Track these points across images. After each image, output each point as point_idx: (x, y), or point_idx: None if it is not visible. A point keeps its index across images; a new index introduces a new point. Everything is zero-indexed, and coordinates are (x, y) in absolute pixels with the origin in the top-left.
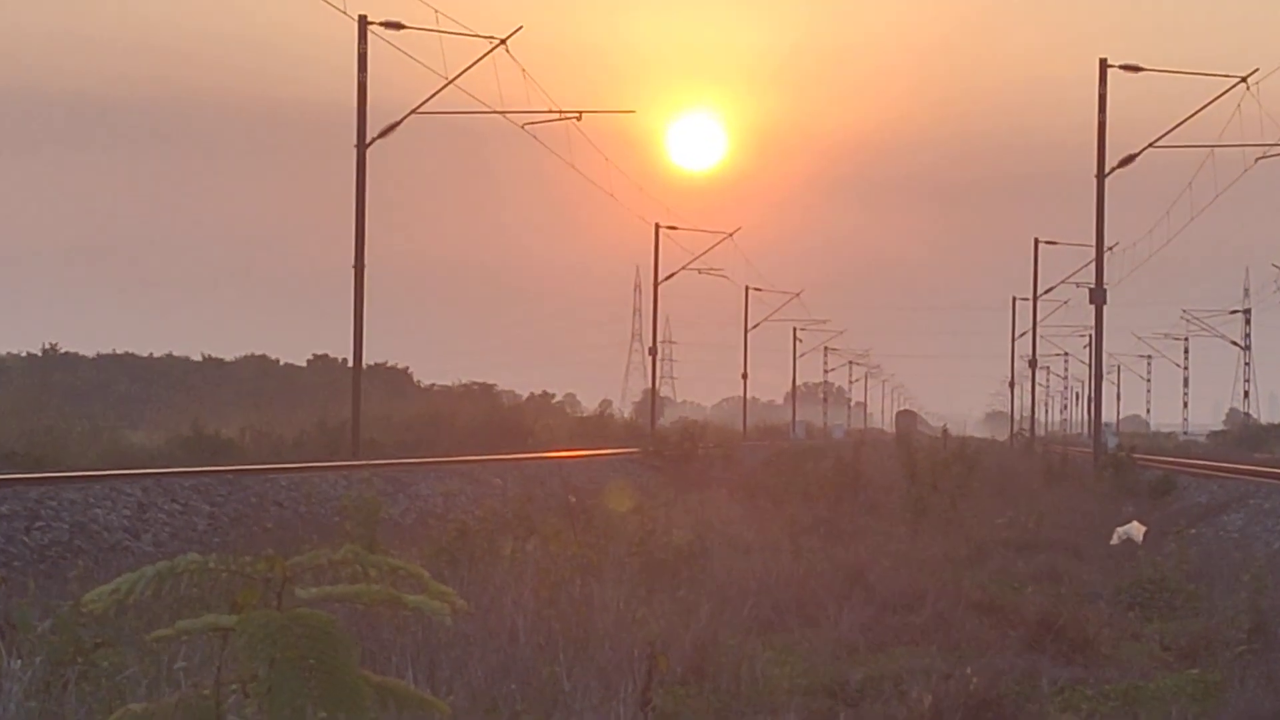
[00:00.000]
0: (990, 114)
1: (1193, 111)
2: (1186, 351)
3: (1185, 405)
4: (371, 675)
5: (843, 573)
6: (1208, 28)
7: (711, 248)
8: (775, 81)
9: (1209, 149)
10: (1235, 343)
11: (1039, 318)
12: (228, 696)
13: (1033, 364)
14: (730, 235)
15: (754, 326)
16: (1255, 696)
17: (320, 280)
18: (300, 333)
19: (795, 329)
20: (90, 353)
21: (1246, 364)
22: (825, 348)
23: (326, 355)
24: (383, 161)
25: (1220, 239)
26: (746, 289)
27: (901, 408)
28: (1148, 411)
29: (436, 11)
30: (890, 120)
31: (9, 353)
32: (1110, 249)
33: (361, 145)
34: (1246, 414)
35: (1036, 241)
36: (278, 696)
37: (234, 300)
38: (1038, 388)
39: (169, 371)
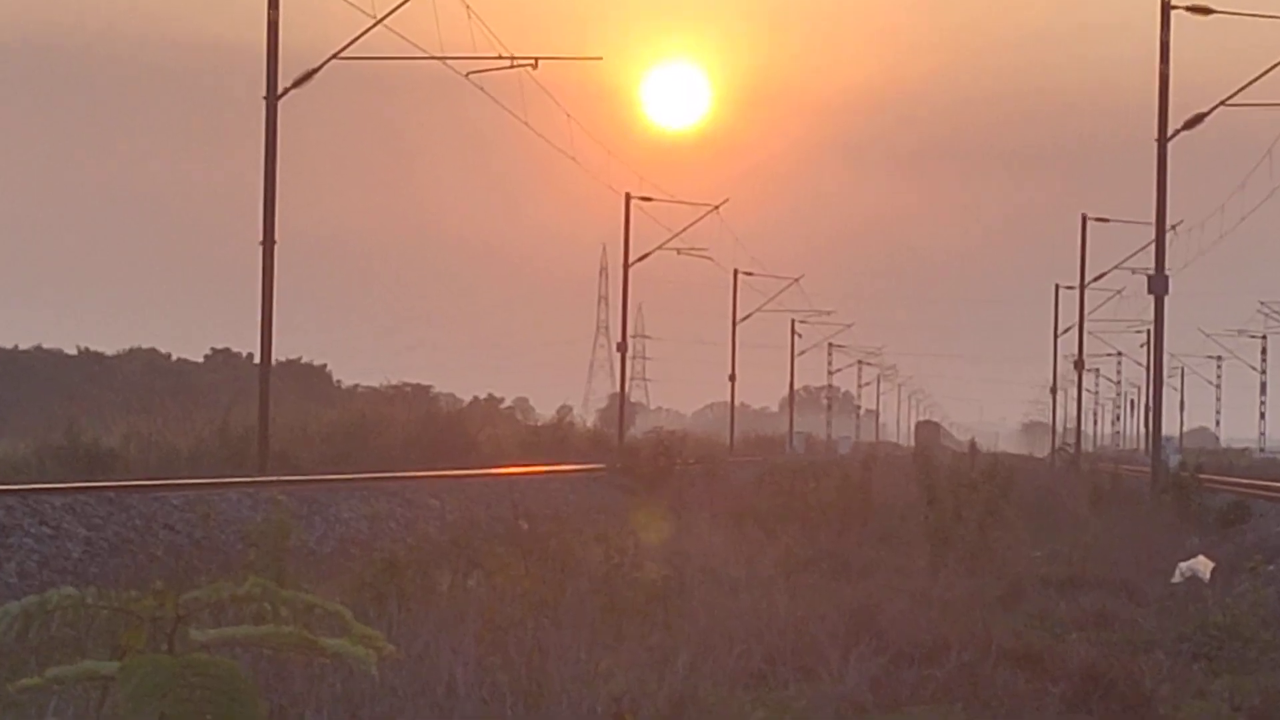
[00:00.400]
0: (1027, 67)
1: (1275, 63)
2: (1264, 351)
3: (1262, 416)
4: None
5: (849, 615)
6: None
7: (693, 223)
8: (768, 26)
9: None
10: None
11: (1087, 310)
12: None
13: (1079, 365)
14: (716, 208)
15: (744, 318)
16: None
17: (222, 259)
18: (197, 323)
19: (794, 321)
20: None
21: None
22: (829, 345)
23: (228, 350)
24: (298, 116)
25: None
26: (735, 273)
27: (922, 418)
28: (1217, 424)
29: None
30: (907, 74)
31: None
32: (1173, 228)
33: (272, 96)
34: None
35: (1084, 219)
36: None
37: (117, 284)
38: (1084, 394)
39: (37, 367)
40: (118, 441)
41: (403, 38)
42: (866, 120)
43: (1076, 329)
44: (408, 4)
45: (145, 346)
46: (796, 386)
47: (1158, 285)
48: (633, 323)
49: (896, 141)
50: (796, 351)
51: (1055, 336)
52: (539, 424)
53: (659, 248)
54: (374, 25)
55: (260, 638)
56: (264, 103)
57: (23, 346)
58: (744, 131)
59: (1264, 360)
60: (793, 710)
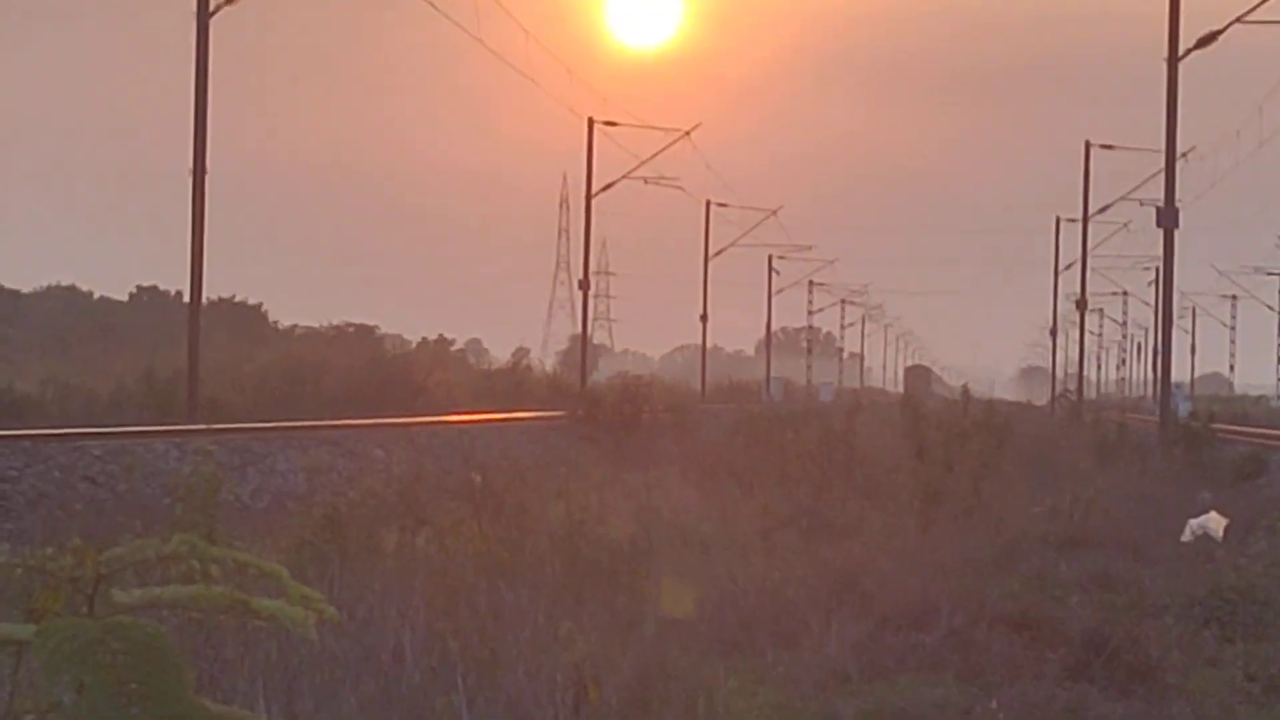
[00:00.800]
0: None
1: None
2: None
3: None
4: (210, 704)
5: (831, 578)
6: None
7: (662, 150)
8: None
9: None
10: None
11: (1090, 245)
12: None
13: (1081, 305)
14: (687, 134)
15: (717, 254)
16: None
17: (147, 189)
18: (120, 258)
19: (771, 257)
20: None
21: None
22: (810, 282)
23: (155, 288)
24: (232, 34)
25: None
26: (708, 204)
27: (911, 362)
28: (1231, 369)
29: None
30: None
31: None
32: (1184, 156)
33: (203, 13)
34: None
35: (1088, 145)
36: None
37: (33, 215)
38: (1088, 336)
39: None
40: (34, 387)
41: None
42: (852, 35)
43: (1079, 265)
44: None
45: (64, 284)
46: (774, 328)
47: (1167, 218)
48: (596, 258)
49: (883, 58)
50: (774, 290)
51: (1056, 274)
52: (493, 368)
53: (625, 177)
54: None
55: (188, 599)
56: (195, 19)
57: None
58: (717, 50)
59: None
60: (770, 680)
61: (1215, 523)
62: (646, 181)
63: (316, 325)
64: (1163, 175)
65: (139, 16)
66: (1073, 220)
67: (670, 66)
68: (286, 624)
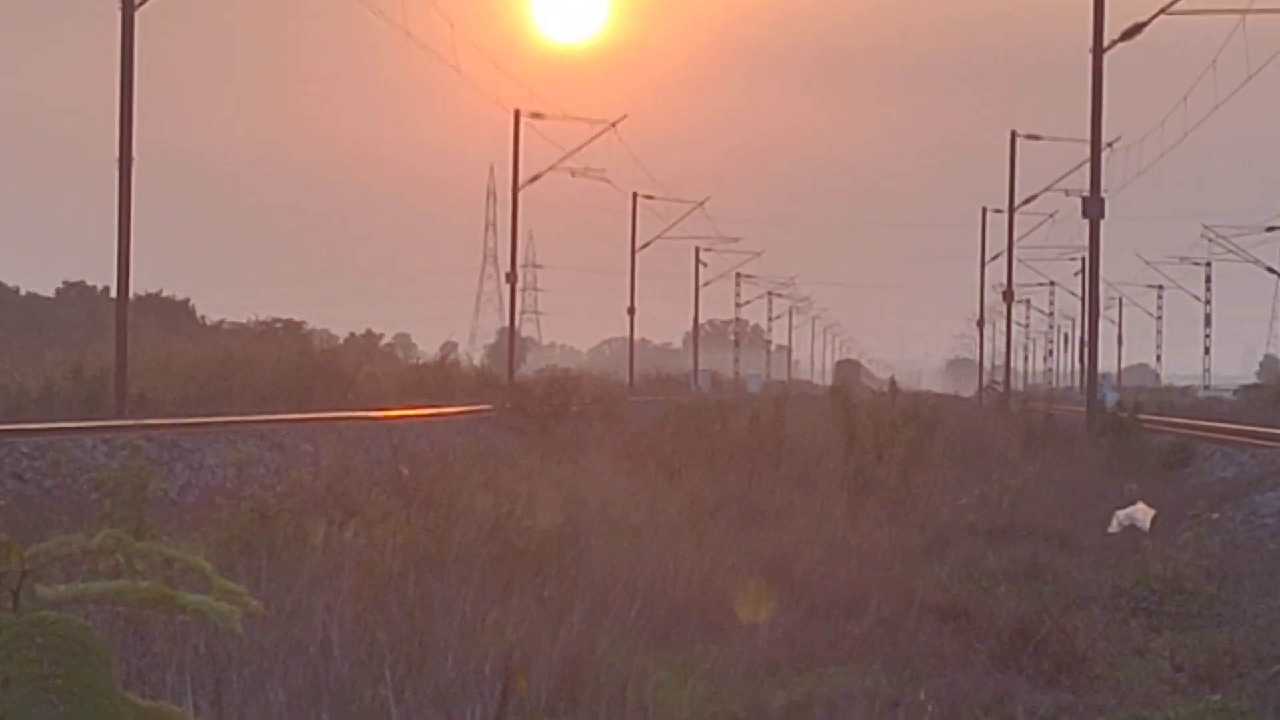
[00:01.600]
0: None
1: None
2: (1209, 280)
3: (1207, 351)
4: (137, 699)
5: (760, 566)
6: None
7: (588, 142)
8: None
9: (1239, 14)
10: (1272, 269)
11: (1016, 236)
12: None
13: (1008, 296)
14: (613, 126)
15: (644, 246)
16: None
17: (73, 182)
18: (47, 253)
19: (698, 250)
20: None
21: None
22: (737, 275)
23: (82, 283)
24: (157, 24)
25: (1253, 134)
26: (635, 196)
27: (839, 353)
28: (1158, 359)
29: None
30: None
31: None
32: (1110, 146)
33: (129, 5)
34: None
35: (1013, 136)
36: None
37: None
38: (1014, 327)
39: None
40: None
41: None
42: (777, 29)
43: (1005, 256)
44: None
45: None
46: (701, 320)
47: (1093, 208)
48: (523, 251)
49: (809, 52)
50: (701, 282)
51: (982, 265)
52: (421, 362)
53: (551, 169)
54: None
55: (115, 594)
56: (120, 11)
57: None
58: (643, 43)
59: (1208, 290)
60: (699, 670)
61: (1142, 513)
62: (573, 174)
63: (244, 320)
64: (1088, 166)
65: (64, 7)
66: (999, 211)
67: (597, 60)
68: (212, 618)
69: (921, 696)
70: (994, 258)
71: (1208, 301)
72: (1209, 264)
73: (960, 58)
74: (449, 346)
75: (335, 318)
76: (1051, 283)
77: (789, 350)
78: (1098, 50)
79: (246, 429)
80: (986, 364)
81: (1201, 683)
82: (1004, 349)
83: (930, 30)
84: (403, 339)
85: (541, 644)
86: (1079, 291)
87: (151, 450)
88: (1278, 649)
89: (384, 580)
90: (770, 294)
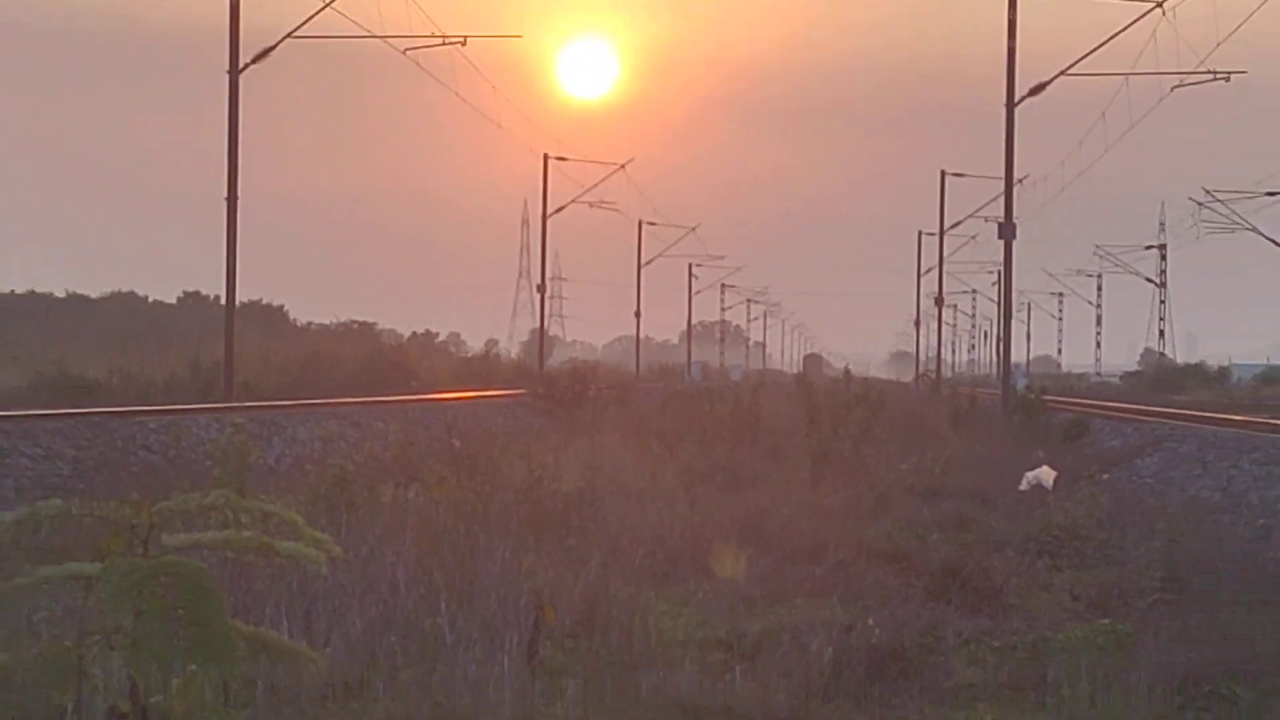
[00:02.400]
0: (897, 40)
1: (1107, 38)
2: (1100, 289)
3: (1098, 345)
4: (243, 626)
5: (740, 522)
6: None
7: (603, 180)
8: (670, 3)
9: (1123, 77)
10: (1150, 280)
11: (946, 253)
12: (90, 649)
13: (939, 302)
14: (623, 166)
15: (648, 262)
16: (1168, 648)
17: (191, 213)
18: (170, 268)
19: (690, 265)
20: None
21: (1162, 302)
22: (722, 285)
23: (198, 293)
24: (257, 88)
25: (1135, 172)
26: (640, 223)
27: (805, 348)
28: (1059, 352)
29: None
30: (791, 44)
31: None
32: (1020, 182)
33: (234, 71)
34: (1161, 354)
35: (943, 174)
36: (144, 648)
37: (100, 234)
38: (944, 327)
39: (30, 309)
40: (102, 374)
41: (349, 19)
42: (757, 87)
43: (937, 270)
44: None
45: (125, 290)
46: (693, 322)
47: (1006, 232)
48: (551, 267)
49: (783, 105)
50: (694, 291)
51: (919, 277)
52: (470, 356)
53: (573, 201)
54: (324, 8)
55: (224, 542)
56: (227, 77)
57: (17, 291)
58: (648, 99)
59: (1099, 296)
60: (692, 604)
61: (1047, 475)
62: (591, 205)
63: (328, 322)
64: (1003, 198)
65: (185, 73)
66: (931, 234)
67: (610, 112)
68: (303, 561)
69: (870, 623)
70: (927, 271)
71: (1098, 306)
72: (1100, 276)
73: (903, 109)
74: (491, 343)
75: (400, 319)
76: (974, 291)
77: (764, 346)
78: (1010, 104)
79: (329, 410)
80: (922, 355)
81: (1094, 610)
82: (936, 344)
83: (880, 86)
84: (454, 337)
85: (566, 584)
86: (995, 298)
87: (252, 428)
88: (1154, 583)
89: (439, 532)
90: (749, 300)
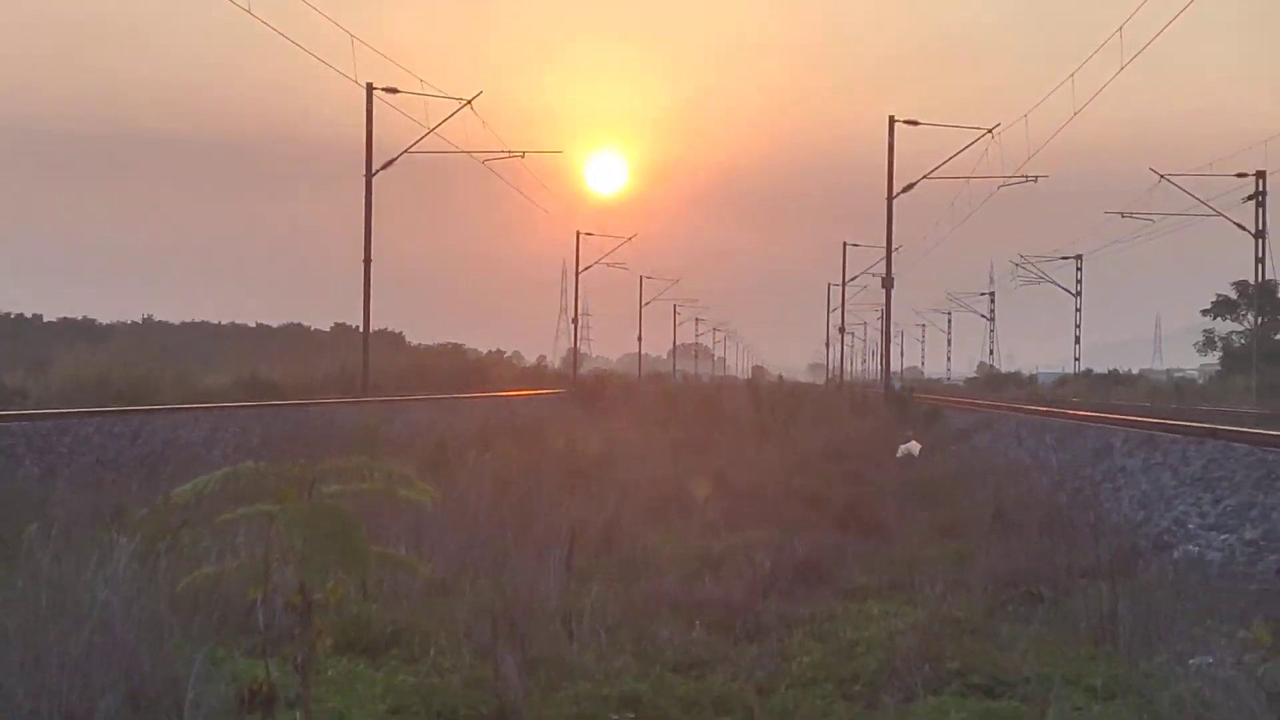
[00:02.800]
0: (819, 154)
1: (954, 153)
2: (949, 322)
3: (948, 359)
4: (374, 546)
5: (709, 475)
6: (964, 94)
7: (616, 248)
8: (661, 129)
9: (965, 179)
10: (983, 315)
11: (847, 297)
12: (274, 562)
13: (841, 330)
14: (630, 239)
15: (647, 303)
16: (995, 561)
17: (341, 269)
18: (326, 306)
19: (675, 305)
20: (177, 321)
21: (991, 331)
22: (696, 318)
23: (344, 323)
24: (384, 185)
25: (973, 243)
26: (641, 278)
27: (752, 361)
28: (922, 363)
29: (421, 80)
30: (743, 156)
31: (117, 320)
32: (897, 249)
33: (369, 176)
34: (991, 365)
35: (845, 244)
36: (308, 562)
37: (280, 283)
38: (845, 347)
39: (234, 334)
40: (280, 378)
41: (446, 140)
42: (723, 186)
43: (841, 309)
44: (448, 120)
45: (296, 321)
46: (677, 343)
47: (887, 284)
48: (582, 306)
49: (742, 198)
50: (677, 322)
51: (829, 312)
52: (526, 366)
53: (596, 262)
54: (428, 133)
55: (362, 490)
56: (364, 179)
57: (223, 322)
58: (648, 194)
59: (949, 328)
60: (677, 530)
61: (914, 446)
62: (609, 265)
63: (431, 343)
64: (885, 261)
65: (337, 174)
66: (838, 285)
67: (623, 203)
68: (415, 501)
69: (795, 544)
70: (835, 309)
71: (949, 332)
72: (950, 314)
73: (823, 200)
74: (541, 358)
75: (479, 341)
76: (865, 323)
77: (724, 360)
78: (889, 198)
79: (431, 401)
80: (831, 366)
81: (946, 536)
82: (840, 358)
83: (808, 185)
84: (516, 354)
85: (591, 517)
86: (880, 328)
87: (380, 412)
88: (986, 518)
89: (506, 482)
90: (714, 329)
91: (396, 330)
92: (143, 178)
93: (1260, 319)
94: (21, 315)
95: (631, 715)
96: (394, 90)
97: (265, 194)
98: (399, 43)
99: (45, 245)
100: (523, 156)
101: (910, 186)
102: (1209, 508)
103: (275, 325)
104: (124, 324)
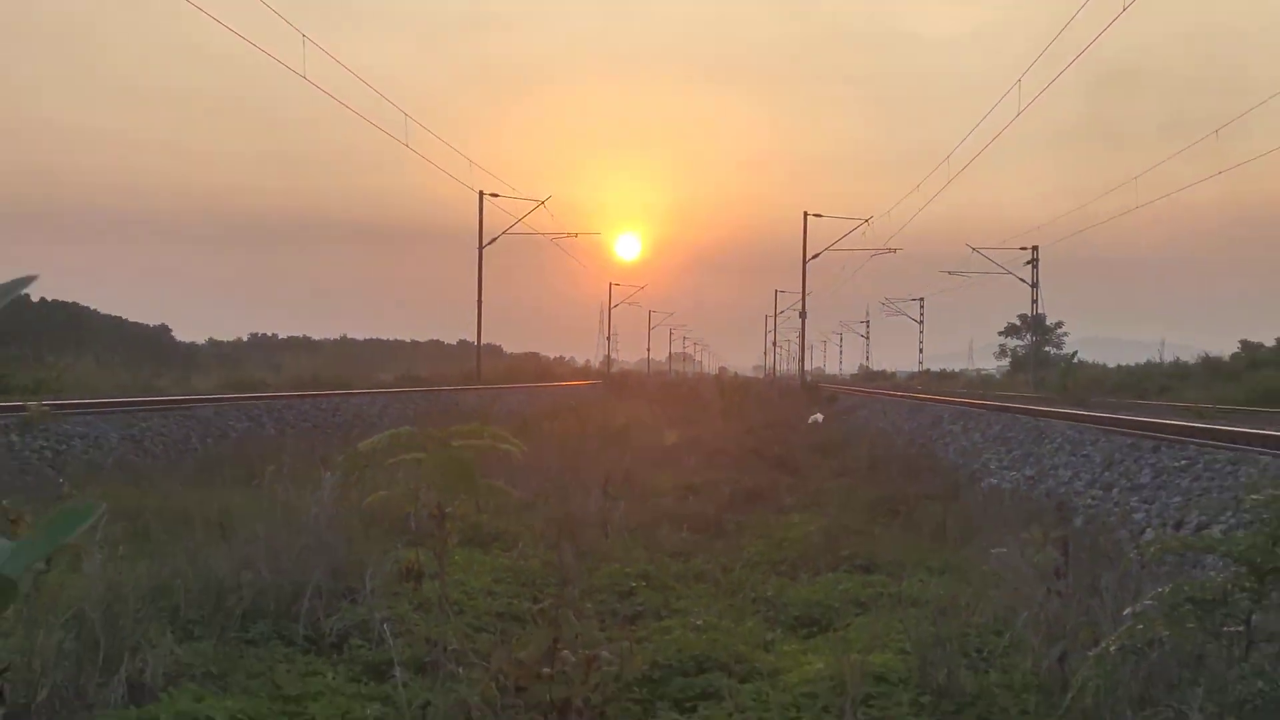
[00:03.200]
0: (761, 231)
1: (845, 233)
2: (841, 339)
3: (840, 362)
4: (483, 480)
5: (689, 441)
6: (852, 194)
7: (634, 293)
8: (665, 216)
9: (851, 250)
10: (863, 336)
11: (779, 323)
12: (420, 489)
13: (774, 344)
14: (642, 288)
15: (653, 328)
16: (870, 490)
17: (464, 305)
18: (454, 328)
19: (670, 329)
20: (362, 338)
21: (867, 344)
22: (684, 336)
23: (466, 340)
24: (489, 253)
25: (856, 291)
26: (649, 312)
27: (718, 363)
28: (824, 366)
29: (513, 187)
30: (717, 233)
31: (324, 338)
32: (809, 294)
33: (480, 248)
34: (867, 366)
35: (776, 292)
36: (442, 489)
37: (426, 314)
38: (777, 355)
39: (397, 347)
40: (426, 374)
41: (530, 226)
42: (705, 252)
43: (774, 331)
44: (529, 215)
45: (437, 339)
46: (671, 351)
47: (802, 316)
48: (612, 327)
49: (717, 259)
50: (672, 339)
51: (765, 334)
52: (578, 367)
53: (622, 302)
54: (518, 221)
55: (477, 445)
56: (477, 251)
57: (389, 339)
58: (655, 259)
59: (841, 343)
60: (670, 472)
61: (819, 417)
62: (629, 303)
63: (518, 351)
64: (801, 301)
65: (457, 250)
66: (772, 316)
67: (639, 265)
68: (511, 451)
69: (745, 479)
70: (769, 331)
71: (840, 347)
72: (841, 335)
73: (763, 261)
74: (586, 361)
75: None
76: (790, 339)
77: (700, 361)
78: (804, 261)
79: (520, 389)
80: (769, 367)
81: (840, 475)
82: (773, 361)
83: (753, 250)
84: (572, 359)
85: (617, 466)
86: (799, 342)
87: (488, 395)
88: (863, 463)
89: (566, 441)
90: (695, 343)
91: (498, 344)
92: (335, 245)
93: (1033, 338)
94: (264, 334)
95: (644, 583)
96: (495, 195)
97: (416, 256)
98: (499, 159)
99: (284, 288)
100: (575, 236)
101: (817, 255)
102: (1004, 456)
103: (422, 340)
104: (329, 340)
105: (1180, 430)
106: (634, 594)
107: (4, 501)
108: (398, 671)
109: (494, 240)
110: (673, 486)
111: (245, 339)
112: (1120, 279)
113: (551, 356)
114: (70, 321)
